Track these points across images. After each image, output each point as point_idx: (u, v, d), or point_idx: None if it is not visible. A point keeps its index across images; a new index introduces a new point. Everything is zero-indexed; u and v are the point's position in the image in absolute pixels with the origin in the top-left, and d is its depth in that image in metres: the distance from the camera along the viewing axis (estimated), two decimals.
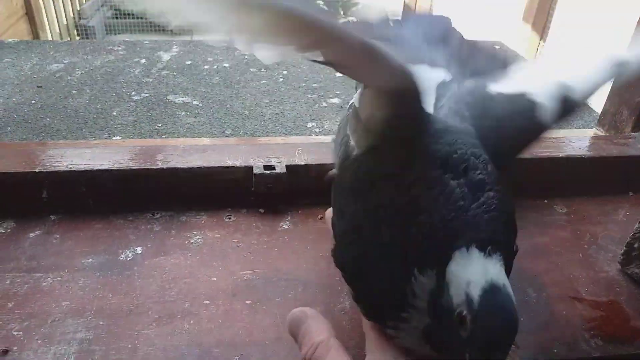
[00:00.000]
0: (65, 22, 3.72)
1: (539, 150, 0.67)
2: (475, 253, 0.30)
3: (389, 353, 0.34)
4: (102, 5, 4.51)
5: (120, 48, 1.52)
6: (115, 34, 4.49)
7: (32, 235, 0.57)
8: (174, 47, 1.51)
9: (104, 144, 0.65)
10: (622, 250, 0.55)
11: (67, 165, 0.60)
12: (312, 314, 0.37)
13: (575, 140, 0.71)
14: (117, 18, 4.52)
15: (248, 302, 0.49)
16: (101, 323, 0.46)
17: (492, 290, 0.29)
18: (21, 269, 0.53)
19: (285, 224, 0.60)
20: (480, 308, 0.29)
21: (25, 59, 1.43)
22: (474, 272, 0.30)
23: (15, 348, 0.44)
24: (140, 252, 0.55)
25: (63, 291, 0.50)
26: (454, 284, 0.30)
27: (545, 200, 0.66)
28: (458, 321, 0.29)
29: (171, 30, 4.53)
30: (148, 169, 0.61)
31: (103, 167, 0.60)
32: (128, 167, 0.60)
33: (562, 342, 0.47)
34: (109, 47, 1.53)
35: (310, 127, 1.07)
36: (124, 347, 0.44)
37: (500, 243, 0.31)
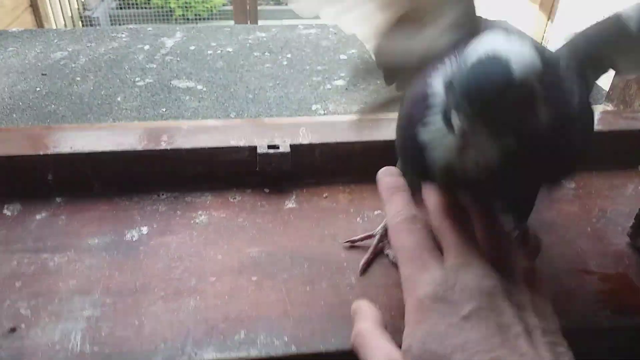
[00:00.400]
0: (69, 14, 3.73)
1: None
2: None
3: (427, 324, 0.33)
4: None
5: (124, 35, 1.52)
6: (119, 24, 4.49)
7: (38, 217, 0.57)
8: (178, 33, 1.50)
9: (108, 127, 0.65)
10: (631, 224, 0.55)
11: (71, 147, 0.60)
12: (362, 305, 0.38)
13: None
14: (121, 9, 4.53)
15: (254, 278, 0.49)
16: (108, 301, 0.47)
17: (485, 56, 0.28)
18: (28, 249, 0.53)
19: (290, 203, 0.60)
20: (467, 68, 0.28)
21: (29, 47, 1.43)
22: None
23: (23, 326, 0.44)
24: (145, 232, 0.55)
25: (70, 270, 0.50)
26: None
27: None
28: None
29: (175, 20, 4.52)
30: (152, 150, 0.60)
31: (107, 149, 0.60)
32: (133, 149, 0.60)
33: (571, 314, 0.47)
34: (113, 35, 1.52)
35: (315, 110, 1.06)
36: (131, 323, 0.44)
37: None
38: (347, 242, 0.53)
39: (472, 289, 0.32)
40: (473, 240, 0.35)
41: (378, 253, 0.52)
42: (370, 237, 0.53)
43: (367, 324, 0.36)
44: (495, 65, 0.28)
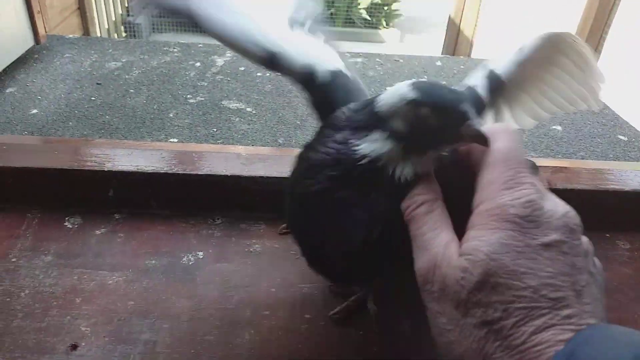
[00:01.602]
0: (114, 19, 3.83)
1: (602, 182, 0.66)
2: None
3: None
4: (150, 3, 4.60)
5: (175, 50, 1.55)
6: (160, 32, 4.59)
7: (97, 232, 0.59)
8: (228, 52, 1.53)
9: (169, 147, 0.67)
10: None
11: (135, 166, 0.61)
12: (428, 175, 0.36)
13: None
14: (162, 17, 4.62)
15: (307, 316, 0.49)
16: (165, 326, 0.47)
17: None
18: (88, 265, 0.54)
19: None
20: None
21: (85, 55, 1.47)
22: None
23: (83, 344, 0.45)
24: (201, 256, 0.56)
25: (128, 290, 0.51)
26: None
27: (607, 235, 0.65)
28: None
29: None
30: (212, 174, 0.62)
31: (169, 170, 0.61)
32: (193, 172, 0.61)
33: None
34: (165, 48, 1.56)
35: None
36: (186, 352, 0.45)
37: None
38: (334, 314, 0.50)
39: (558, 219, 0.30)
40: None
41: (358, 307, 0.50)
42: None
43: (429, 196, 0.34)
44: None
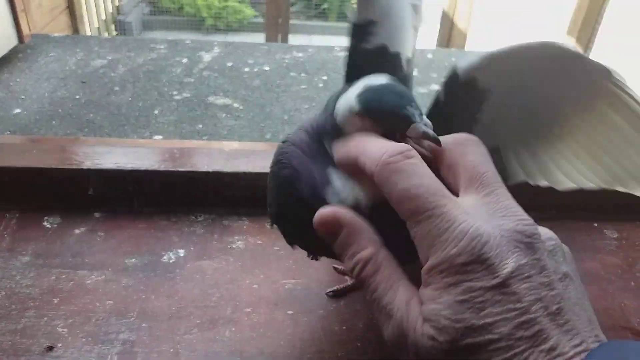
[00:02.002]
0: (104, 17, 3.81)
1: None
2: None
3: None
4: (140, 2, 4.60)
5: (162, 47, 1.54)
6: (151, 30, 4.58)
7: (77, 231, 0.58)
8: (215, 47, 1.52)
9: (150, 144, 0.66)
10: None
11: (114, 163, 0.60)
12: (349, 220, 0.31)
13: None
14: (153, 15, 4.61)
15: (290, 312, 0.49)
16: (144, 325, 0.46)
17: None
18: (66, 265, 0.53)
19: None
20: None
21: (70, 53, 1.46)
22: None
23: (60, 345, 0.44)
24: (182, 254, 0.55)
25: (107, 290, 0.50)
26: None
27: (595, 224, 0.64)
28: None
29: (206, 29, 4.58)
30: (194, 171, 0.61)
31: (150, 167, 0.60)
32: (174, 169, 0.60)
33: None
34: (152, 45, 1.55)
35: None
36: (166, 351, 0.44)
37: None
38: (331, 291, 0.50)
39: (508, 242, 0.27)
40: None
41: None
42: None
43: (368, 251, 0.30)
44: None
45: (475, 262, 0.27)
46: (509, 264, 0.27)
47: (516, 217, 0.29)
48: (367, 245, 0.30)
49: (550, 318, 0.26)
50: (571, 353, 0.26)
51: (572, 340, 0.26)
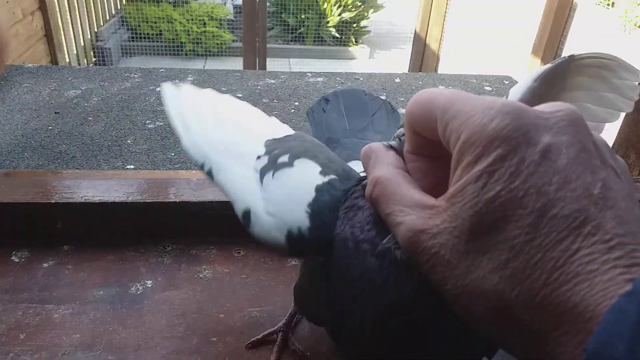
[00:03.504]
0: (82, 44, 3.81)
1: None
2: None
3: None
4: (119, 28, 4.62)
5: (136, 75, 1.55)
6: (130, 56, 4.58)
7: (45, 265, 0.58)
8: (189, 75, 1.54)
9: (119, 175, 0.66)
10: None
11: (82, 197, 0.61)
12: (376, 148, 0.31)
13: None
14: (133, 40, 4.63)
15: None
16: (110, 358, 0.47)
17: None
18: (34, 299, 0.53)
19: (293, 260, 0.61)
20: None
21: (44, 84, 1.46)
22: None
23: None
24: (150, 285, 0.56)
25: (74, 323, 0.51)
26: None
27: None
28: None
29: (185, 54, 4.60)
30: (161, 202, 0.62)
31: (117, 199, 0.61)
32: (142, 200, 0.61)
33: None
34: (126, 74, 1.56)
35: None
36: None
37: None
38: (249, 343, 0.49)
39: (549, 117, 0.25)
40: None
41: (284, 349, 0.49)
42: (274, 333, 0.50)
43: (386, 169, 0.29)
44: None
45: (510, 131, 0.24)
46: (546, 137, 0.24)
47: (558, 104, 0.26)
48: (382, 166, 0.30)
49: (591, 200, 0.23)
50: (614, 242, 0.22)
51: (617, 228, 0.22)
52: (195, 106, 0.47)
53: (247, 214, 0.38)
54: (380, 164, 0.30)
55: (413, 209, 0.26)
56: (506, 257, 0.23)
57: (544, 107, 0.26)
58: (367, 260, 0.31)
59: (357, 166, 0.50)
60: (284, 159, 0.41)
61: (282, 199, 0.38)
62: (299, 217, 0.36)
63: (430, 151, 0.29)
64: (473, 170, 0.24)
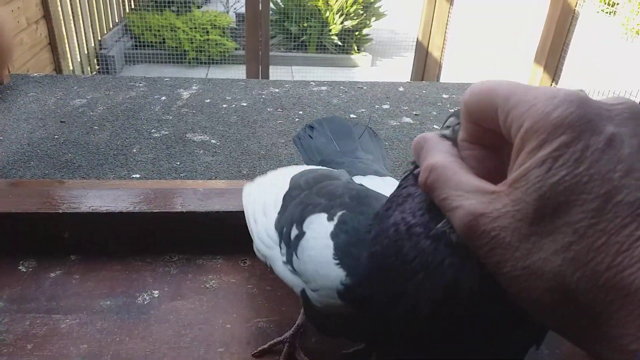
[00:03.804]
0: (86, 52, 3.83)
1: None
2: None
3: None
4: (123, 36, 4.64)
5: (141, 85, 1.56)
6: (133, 64, 4.61)
7: (52, 275, 0.59)
8: (194, 85, 1.54)
9: (125, 185, 0.67)
10: None
11: (89, 207, 0.61)
12: (429, 137, 0.32)
13: None
14: (136, 48, 4.65)
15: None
16: None
17: None
18: (41, 309, 0.54)
19: None
20: None
21: (49, 93, 1.47)
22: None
23: None
24: (157, 295, 0.56)
25: (81, 334, 0.51)
26: None
27: None
28: None
29: (188, 62, 4.62)
30: (168, 212, 0.62)
31: (124, 209, 0.61)
32: (148, 210, 0.62)
33: None
34: (131, 84, 1.56)
35: None
36: None
37: None
38: (256, 352, 0.49)
39: (610, 109, 0.25)
40: None
41: None
42: (280, 343, 0.50)
43: (441, 156, 0.30)
44: None
45: (574, 119, 0.24)
46: (610, 126, 0.24)
47: (619, 98, 0.27)
48: (437, 153, 0.30)
49: None
50: None
51: None
52: (262, 200, 0.53)
53: (303, 293, 0.41)
54: (435, 152, 0.30)
55: (472, 194, 0.27)
56: (569, 240, 0.23)
57: (605, 100, 0.26)
58: (421, 242, 0.31)
59: (359, 181, 0.51)
60: (295, 232, 0.43)
61: (315, 274, 0.39)
62: (335, 275, 0.37)
63: (485, 140, 0.30)
64: (537, 155, 0.24)
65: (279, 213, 0.48)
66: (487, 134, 0.29)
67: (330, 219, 0.41)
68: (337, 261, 0.37)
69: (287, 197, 0.49)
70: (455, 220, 0.27)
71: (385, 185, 0.55)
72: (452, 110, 0.36)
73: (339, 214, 0.40)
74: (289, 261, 0.43)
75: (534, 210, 0.24)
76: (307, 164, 0.60)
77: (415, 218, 0.32)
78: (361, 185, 0.47)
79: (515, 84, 0.27)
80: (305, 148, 0.62)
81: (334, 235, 0.39)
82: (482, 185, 0.27)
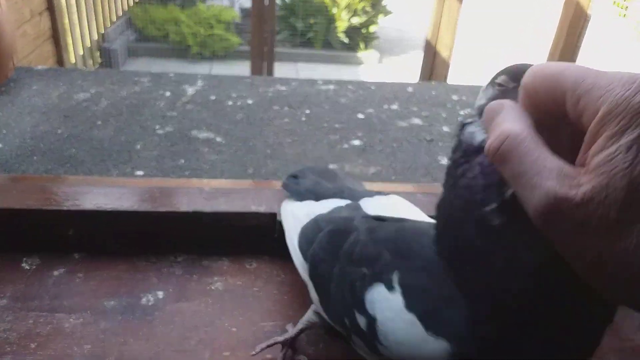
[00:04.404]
0: (89, 45, 3.82)
1: None
2: None
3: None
4: (126, 30, 4.63)
5: (146, 80, 1.55)
6: (136, 57, 4.60)
7: (56, 273, 0.58)
8: (199, 81, 1.53)
9: (130, 183, 0.66)
10: None
11: (94, 204, 0.60)
12: (507, 104, 0.30)
13: None
14: (139, 42, 4.64)
15: (268, 356, 0.49)
16: None
17: None
18: (44, 308, 0.53)
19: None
20: None
21: (53, 86, 1.46)
22: None
23: None
24: (161, 296, 0.55)
25: (85, 334, 0.50)
26: None
27: None
28: None
29: (192, 57, 4.61)
30: (173, 211, 0.61)
31: (129, 208, 0.61)
32: (153, 209, 0.61)
33: None
34: (135, 78, 1.55)
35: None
36: None
37: None
38: (254, 353, 0.47)
39: None
40: None
41: None
42: (281, 343, 0.49)
43: (520, 125, 0.28)
44: None
45: None
46: None
47: None
48: (514, 122, 0.29)
49: None
50: None
51: None
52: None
53: None
54: (513, 119, 0.29)
55: (553, 174, 0.26)
56: None
57: None
58: (483, 219, 0.31)
59: (368, 204, 0.53)
60: (362, 320, 0.38)
61: (416, 357, 0.35)
62: (440, 349, 0.33)
63: (541, 122, 0.29)
64: (621, 141, 0.24)
65: (320, 299, 0.45)
66: (542, 116, 0.29)
67: (389, 288, 0.37)
68: (432, 332, 0.34)
69: (316, 277, 0.46)
70: (533, 200, 0.26)
71: (394, 204, 0.54)
72: (499, 72, 0.34)
73: (396, 279, 0.37)
74: (373, 351, 0.38)
75: (624, 196, 0.24)
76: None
77: (479, 193, 0.32)
78: (378, 221, 0.45)
79: (584, 67, 0.27)
80: (297, 192, 0.60)
81: (410, 307, 0.35)
82: (564, 166, 0.26)
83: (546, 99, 0.28)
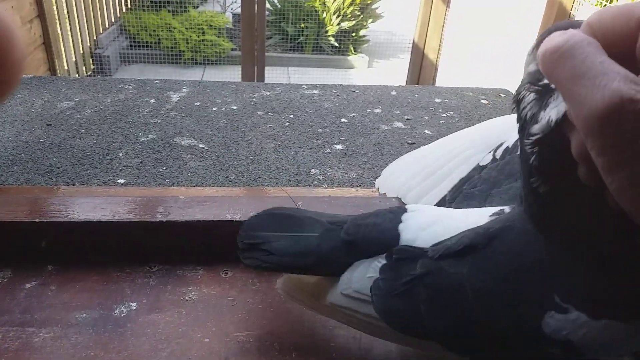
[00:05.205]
0: (81, 51, 3.81)
1: None
2: None
3: None
4: (118, 36, 4.62)
5: (131, 87, 1.54)
6: (129, 64, 4.59)
7: (28, 286, 0.57)
8: (184, 87, 1.53)
9: (106, 193, 0.65)
10: None
11: (68, 216, 0.60)
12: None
13: None
14: (131, 48, 4.63)
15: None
16: None
17: None
18: (14, 322, 0.52)
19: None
20: None
21: (37, 95, 1.45)
22: None
23: None
24: (134, 307, 0.55)
25: (55, 348, 0.49)
26: None
27: None
28: None
29: (184, 62, 4.60)
30: (148, 221, 0.61)
31: (103, 218, 0.60)
32: (128, 220, 0.60)
33: None
34: (120, 86, 1.55)
35: (314, 174, 1.07)
36: None
37: None
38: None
39: None
40: None
41: None
42: None
43: (582, 34, 0.26)
44: None
45: None
46: None
47: None
48: (578, 33, 0.26)
49: None
50: None
51: None
52: None
53: None
54: (576, 32, 0.26)
55: (622, 77, 0.24)
56: None
57: None
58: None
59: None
60: (555, 351, 0.36)
61: None
62: None
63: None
64: None
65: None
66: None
67: (563, 311, 0.35)
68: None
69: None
70: (593, 100, 0.24)
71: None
72: (546, 30, 0.32)
73: (558, 300, 0.35)
74: None
75: None
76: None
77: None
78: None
79: None
80: (278, 264, 0.48)
81: (595, 316, 0.34)
82: (629, 73, 0.24)
83: (613, 35, 0.26)
